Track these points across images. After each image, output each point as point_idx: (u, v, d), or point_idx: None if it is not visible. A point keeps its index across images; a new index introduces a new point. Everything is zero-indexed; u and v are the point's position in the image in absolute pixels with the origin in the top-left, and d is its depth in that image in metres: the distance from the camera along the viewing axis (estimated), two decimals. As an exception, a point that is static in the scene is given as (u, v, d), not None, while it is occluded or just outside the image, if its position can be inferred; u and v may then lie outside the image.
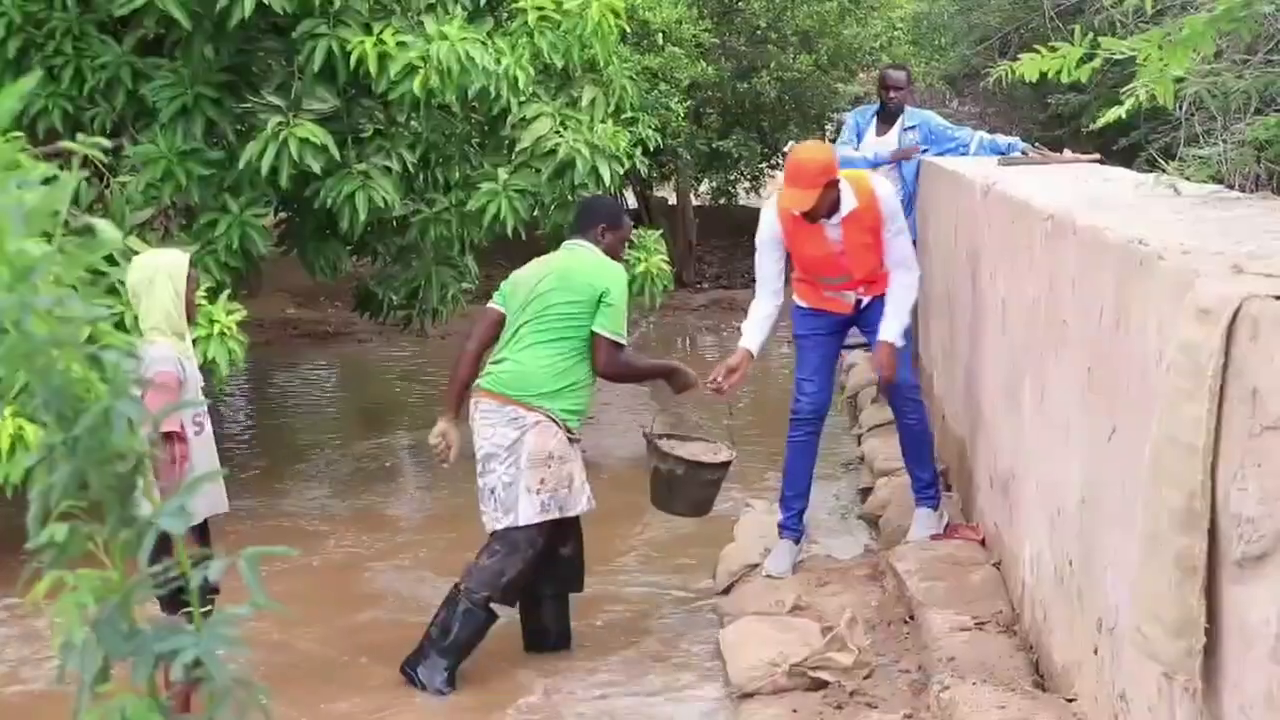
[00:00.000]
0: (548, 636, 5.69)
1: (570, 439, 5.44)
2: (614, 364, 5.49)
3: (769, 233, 5.98)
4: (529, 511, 5.32)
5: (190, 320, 4.92)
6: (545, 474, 5.33)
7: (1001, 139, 8.39)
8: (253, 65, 7.82)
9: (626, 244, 5.88)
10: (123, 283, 5.02)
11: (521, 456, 5.31)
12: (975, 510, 6.17)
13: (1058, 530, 4.26)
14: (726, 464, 5.87)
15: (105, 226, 1.19)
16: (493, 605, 5.36)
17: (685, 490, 5.86)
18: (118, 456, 1.12)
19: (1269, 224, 3.49)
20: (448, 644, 5.37)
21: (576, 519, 5.60)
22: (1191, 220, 3.69)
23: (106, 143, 1.36)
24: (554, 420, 5.36)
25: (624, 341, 5.51)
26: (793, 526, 6.24)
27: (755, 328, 6.00)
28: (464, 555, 6.67)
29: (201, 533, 4.98)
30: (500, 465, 5.33)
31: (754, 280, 6.15)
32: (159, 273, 4.76)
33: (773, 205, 5.97)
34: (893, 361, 5.91)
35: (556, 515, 5.38)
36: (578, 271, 5.47)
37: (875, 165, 8.33)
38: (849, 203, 5.78)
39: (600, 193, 8.12)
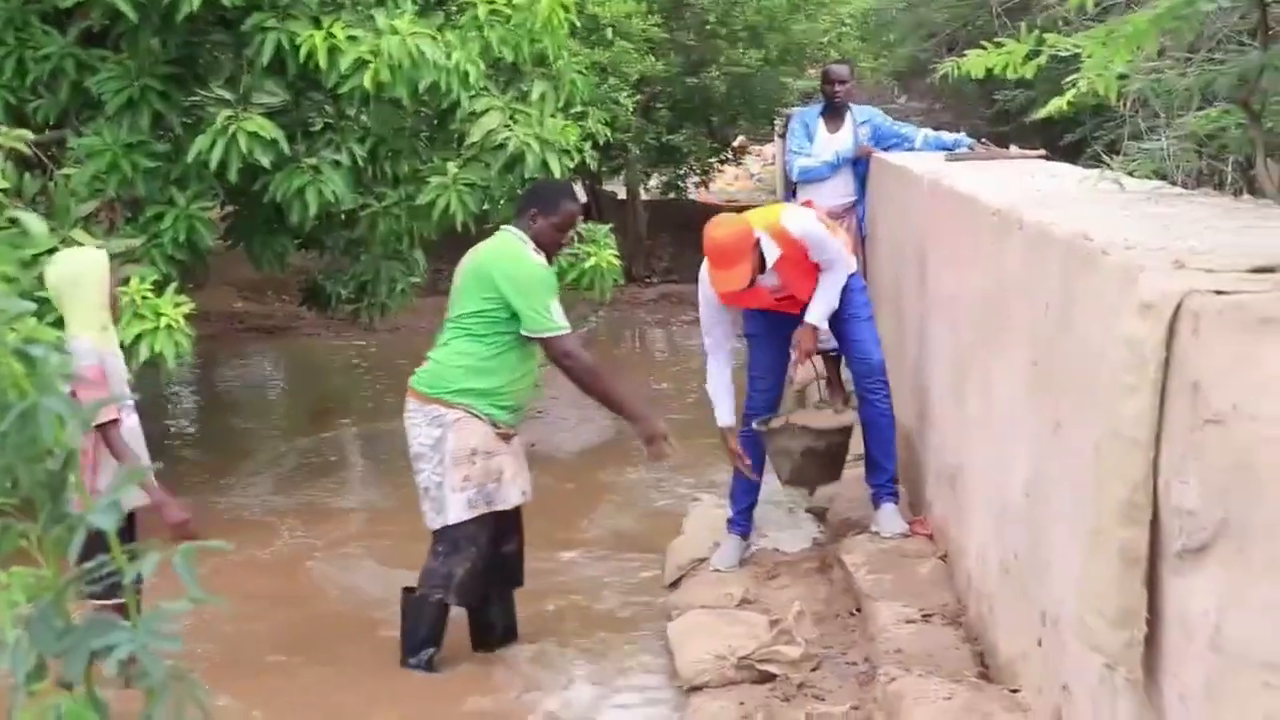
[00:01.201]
0: (494, 631, 5.66)
1: (500, 434, 5.32)
2: (563, 360, 5.27)
3: (710, 302, 5.85)
4: (457, 509, 5.25)
5: (115, 317, 5.07)
6: (469, 470, 5.24)
7: (947, 135, 8.43)
8: (200, 58, 7.75)
9: (566, 230, 5.45)
10: None
11: (445, 455, 5.24)
12: (923, 504, 6.19)
13: (1003, 524, 4.29)
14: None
15: (33, 221, 1.17)
16: (444, 596, 5.35)
17: (841, 455, 6.12)
18: (47, 453, 1.10)
19: (1210, 220, 3.52)
20: (418, 640, 5.39)
21: (518, 515, 5.57)
22: (1136, 216, 3.72)
23: (29, 134, 1.33)
24: (477, 416, 5.24)
25: (555, 333, 5.23)
26: (741, 523, 6.24)
27: (723, 398, 5.94)
28: (413, 547, 6.66)
29: (129, 527, 5.11)
30: (428, 465, 5.27)
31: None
32: (82, 268, 4.90)
33: (705, 265, 5.77)
34: (813, 342, 5.91)
35: (485, 510, 5.29)
36: (484, 262, 5.30)
37: (838, 166, 8.30)
38: (773, 252, 5.68)
39: None
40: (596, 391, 5.42)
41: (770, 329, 6.08)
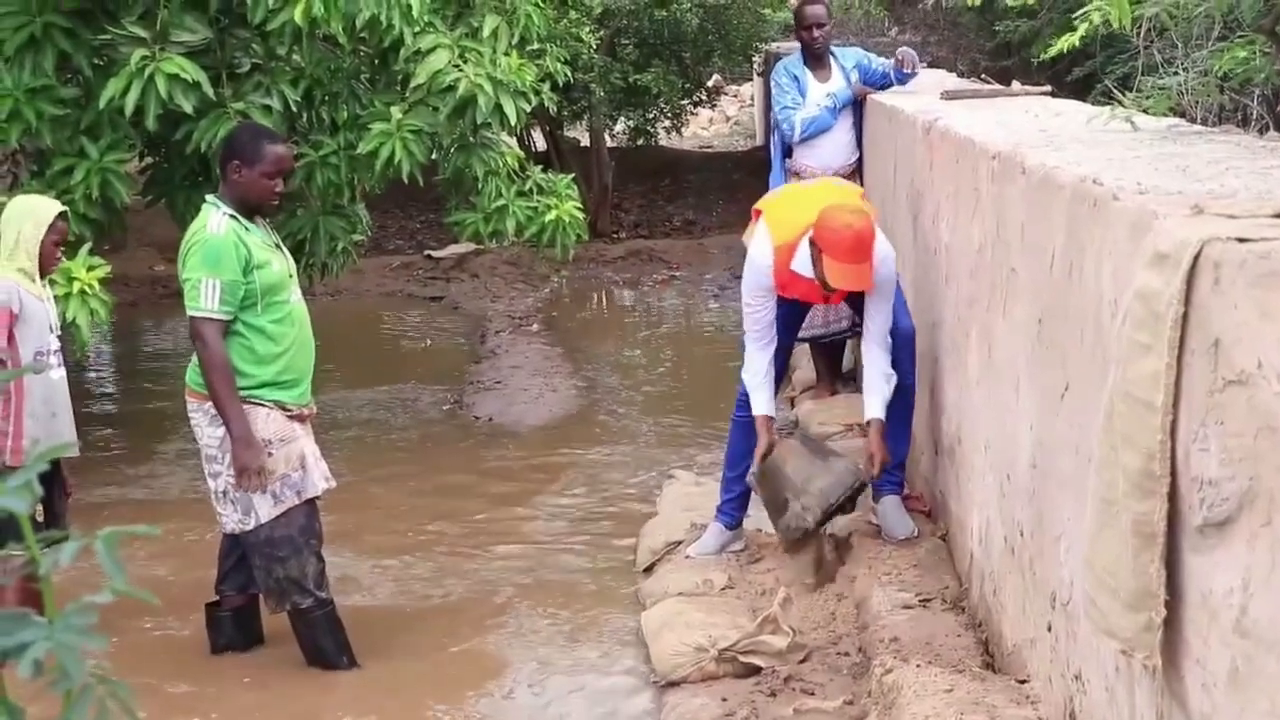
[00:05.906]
0: (235, 645, 5.63)
1: (291, 416, 5.28)
2: (194, 341, 5.16)
3: (763, 284, 5.68)
4: (265, 507, 5.21)
5: (45, 270, 5.51)
6: (267, 463, 5.19)
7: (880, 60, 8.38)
8: (111, -9, 7.67)
9: (276, 176, 5.22)
10: None
11: None
12: (919, 477, 6.22)
13: (1008, 497, 4.31)
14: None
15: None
16: (315, 599, 5.35)
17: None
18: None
19: (1232, 160, 3.53)
20: (327, 658, 5.43)
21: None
22: (1150, 158, 3.73)
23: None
24: (258, 404, 5.19)
25: (194, 312, 5.10)
26: (730, 512, 6.09)
27: (763, 385, 5.82)
28: (355, 527, 6.67)
29: (54, 480, 5.43)
30: (221, 466, 5.21)
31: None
32: (17, 210, 5.49)
33: (766, 251, 5.61)
34: (883, 445, 5.72)
35: (295, 502, 5.25)
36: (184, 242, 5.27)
37: (838, 112, 8.17)
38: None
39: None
40: (210, 388, 5.16)
41: (787, 312, 5.94)
